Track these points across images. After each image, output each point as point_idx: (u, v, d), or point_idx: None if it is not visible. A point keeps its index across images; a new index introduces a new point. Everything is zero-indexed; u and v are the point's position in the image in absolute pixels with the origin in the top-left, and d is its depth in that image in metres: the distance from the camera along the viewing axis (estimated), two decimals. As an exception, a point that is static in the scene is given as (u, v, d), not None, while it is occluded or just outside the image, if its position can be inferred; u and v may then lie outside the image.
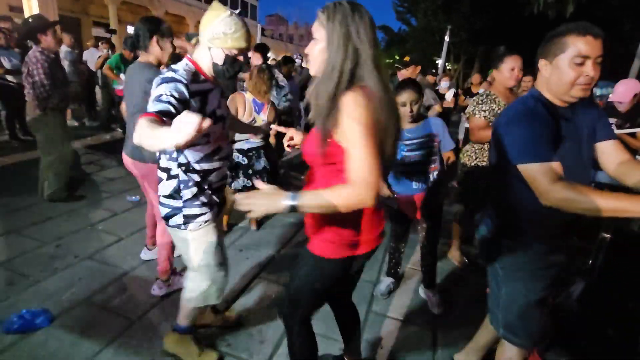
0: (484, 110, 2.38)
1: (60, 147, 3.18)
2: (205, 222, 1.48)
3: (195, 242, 1.49)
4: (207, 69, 1.41)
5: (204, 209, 1.47)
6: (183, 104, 1.22)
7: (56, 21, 3.35)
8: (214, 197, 1.52)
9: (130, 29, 12.81)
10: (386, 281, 2.39)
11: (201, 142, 1.40)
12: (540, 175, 1.09)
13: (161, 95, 1.19)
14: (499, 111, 2.38)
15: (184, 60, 1.39)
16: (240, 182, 2.82)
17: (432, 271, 2.30)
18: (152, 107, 1.17)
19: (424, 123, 2.05)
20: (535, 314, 1.31)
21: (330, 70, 1.01)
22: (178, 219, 1.44)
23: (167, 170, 1.42)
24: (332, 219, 1.15)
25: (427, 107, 3.39)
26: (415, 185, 2.07)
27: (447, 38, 13.54)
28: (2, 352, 1.68)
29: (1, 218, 2.92)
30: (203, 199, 1.46)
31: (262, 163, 2.89)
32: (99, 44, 6.88)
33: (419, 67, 3.52)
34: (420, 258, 2.32)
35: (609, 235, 1.92)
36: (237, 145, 2.78)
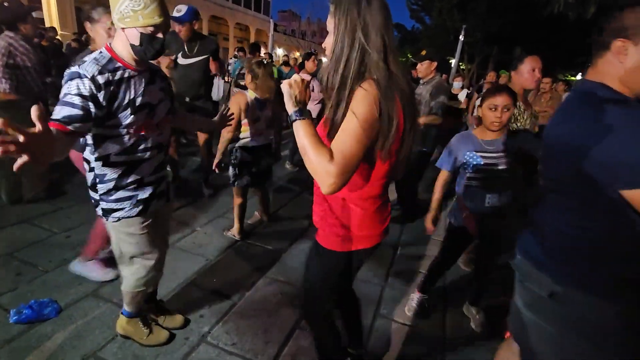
0: None
1: None
2: (122, 217, 1.45)
3: (114, 232, 1.50)
4: (124, 53, 1.29)
5: (121, 205, 1.44)
6: (90, 100, 1.18)
7: (33, 7, 3.22)
8: (141, 193, 1.47)
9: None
10: (418, 297, 2.23)
11: (117, 133, 1.32)
12: None
13: (66, 95, 1.17)
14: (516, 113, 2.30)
15: (102, 49, 1.30)
16: (244, 180, 2.74)
17: (481, 290, 2.19)
18: (57, 111, 1.15)
19: (504, 136, 1.88)
20: None
21: (335, 61, 0.99)
22: (99, 210, 1.47)
23: (87, 161, 1.40)
24: (334, 211, 1.15)
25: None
26: (488, 201, 1.91)
27: (461, 37, 13.29)
28: (9, 341, 1.69)
29: (15, 207, 2.95)
30: (120, 194, 1.42)
31: (266, 161, 2.84)
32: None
33: (435, 63, 3.31)
34: (474, 275, 2.26)
35: None
36: (241, 143, 2.66)
